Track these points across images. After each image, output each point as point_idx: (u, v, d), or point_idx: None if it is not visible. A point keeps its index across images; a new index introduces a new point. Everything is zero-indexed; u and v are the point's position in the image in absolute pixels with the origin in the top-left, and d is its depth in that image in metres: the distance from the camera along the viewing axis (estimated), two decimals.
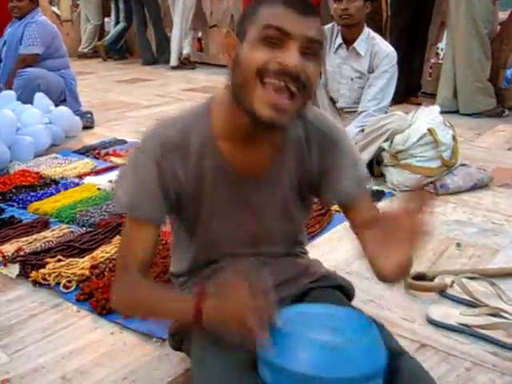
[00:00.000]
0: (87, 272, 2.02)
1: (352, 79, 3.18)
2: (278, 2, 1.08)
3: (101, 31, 7.78)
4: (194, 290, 1.13)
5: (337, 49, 3.18)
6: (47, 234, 2.35)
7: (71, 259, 2.10)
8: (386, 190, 2.88)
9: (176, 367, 1.56)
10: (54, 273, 2.00)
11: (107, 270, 2.03)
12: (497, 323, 1.70)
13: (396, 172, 2.92)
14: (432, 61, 5.25)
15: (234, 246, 1.31)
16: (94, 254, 2.15)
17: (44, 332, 1.74)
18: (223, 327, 1.05)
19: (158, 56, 7.08)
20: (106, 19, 7.84)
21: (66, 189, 2.86)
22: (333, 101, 3.34)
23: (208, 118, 1.21)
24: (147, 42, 7.14)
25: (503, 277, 2.01)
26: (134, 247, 1.22)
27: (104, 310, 1.80)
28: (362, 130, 3.05)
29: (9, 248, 2.21)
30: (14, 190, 2.82)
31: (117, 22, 7.41)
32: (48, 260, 2.08)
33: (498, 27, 4.64)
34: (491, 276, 1.96)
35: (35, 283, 1.99)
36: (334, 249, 2.27)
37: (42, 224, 2.44)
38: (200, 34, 7.12)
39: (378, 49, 3.09)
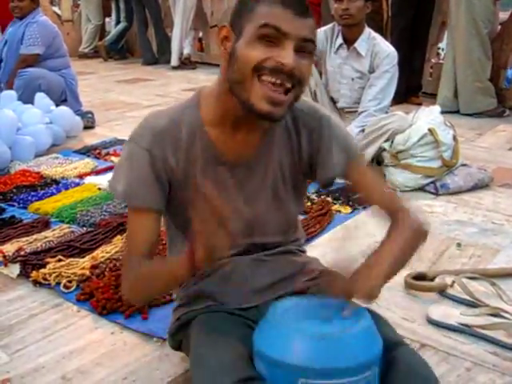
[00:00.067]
0: (88, 272, 2.02)
1: (353, 79, 3.18)
2: (276, 1, 1.11)
3: (101, 31, 7.78)
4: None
5: (337, 49, 3.18)
6: (48, 233, 2.35)
7: (72, 259, 2.10)
8: None
9: (176, 367, 1.56)
10: (54, 273, 2.00)
11: (108, 269, 2.03)
12: (497, 323, 1.70)
13: (396, 172, 2.92)
14: (433, 61, 5.25)
15: None
16: (94, 253, 2.15)
17: (44, 332, 1.75)
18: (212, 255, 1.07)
19: (158, 56, 7.08)
20: (107, 19, 7.85)
21: (66, 189, 2.86)
22: (333, 101, 3.34)
23: (197, 108, 1.26)
24: (148, 42, 7.14)
25: (504, 277, 2.01)
26: (136, 235, 1.25)
27: (104, 310, 1.81)
28: (363, 130, 3.05)
29: (9, 248, 2.21)
30: (14, 190, 2.83)
31: (117, 22, 7.41)
32: (48, 260, 2.08)
33: (499, 27, 4.63)
34: (492, 276, 1.96)
35: (36, 283, 1.99)
36: (335, 249, 2.27)
37: (43, 224, 2.44)
38: (201, 34, 7.13)
39: (379, 49, 3.09)
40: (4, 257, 2.14)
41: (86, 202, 2.65)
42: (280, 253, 1.39)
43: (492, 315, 1.75)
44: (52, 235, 2.33)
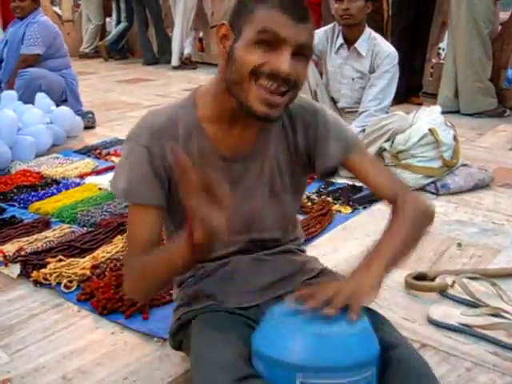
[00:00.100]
0: (88, 272, 2.02)
1: (353, 79, 3.18)
2: (275, 5, 1.12)
3: (102, 31, 7.78)
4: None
5: (338, 49, 3.18)
6: (48, 233, 2.35)
7: (72, 259, 2.10)
8: None
9: (177, 367, 1.56)
10: (54, 273, 2.00)
11: (108, 269, 2.03)
12: (497, 323, 1.70)
13: (397, 172, 2.91)
14: (433, 61, 5.25)
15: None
16: (94, 253, 2.15)
17: (45, 332, 1.75)
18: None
19: (159, 56, 7.08)
20: (108, 19, 7.85)
21: (67, 189, 2.86)
22: (334, 101, 3.34)
23: (194, 107, 1.28)
24: (148, 42, 7.14)
25: (504, 277, 2.01)
26: (137, 232, 1.25)
27: (105, 310, 1.81)
28: (363, 130, 3.05)
29: (10, 248, 2.21)
30: (15, 190, 2.83)
31: (118, 22, 7.41)
32: (49, 260, 2.08)
33: (499, 27, 4.63)
34: (492, 276, 1.96)
35: (36, 283, 1.99)
36: (335, 249, 2.27)
37: (43, 224, 2.44)
38: (201, 34, 7.13)
39: (379, 49, 3.09)
40: (4, 257, 2.14)
41: (86, 202, 2.65)
42: (280, 252, 1.40)
43: (492, 315, 1.75)
44: (52, 235, 2.33)
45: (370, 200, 2.71)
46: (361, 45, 3.10)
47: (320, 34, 3.23)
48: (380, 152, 2.99)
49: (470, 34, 4.30)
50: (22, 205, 2.68)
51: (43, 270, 2.01)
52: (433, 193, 2.83)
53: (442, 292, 1.92)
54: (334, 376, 1.03)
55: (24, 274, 2.04)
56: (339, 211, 2.62)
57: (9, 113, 3.30)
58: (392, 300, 1.90)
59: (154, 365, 1.58)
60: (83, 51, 7.61)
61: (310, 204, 2.66)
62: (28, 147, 3.31)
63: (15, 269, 2.07)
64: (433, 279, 1.98)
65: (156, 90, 5.58)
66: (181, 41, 6.57)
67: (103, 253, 2.15)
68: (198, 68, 6.68)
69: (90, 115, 4.18)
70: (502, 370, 1.56)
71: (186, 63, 6.70)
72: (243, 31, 1.14)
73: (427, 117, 2.97)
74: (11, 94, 3.74)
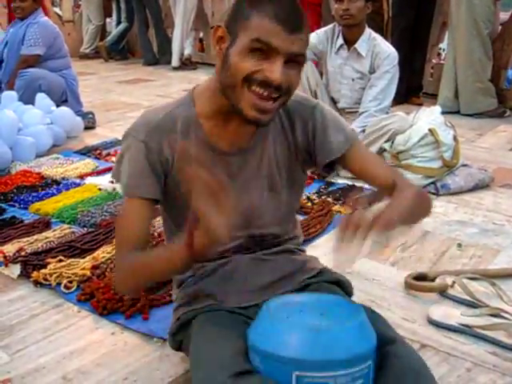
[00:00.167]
0: (88, 272, 2.02)
1: (353, 80, 3.19)
2: (270, 14, 1.13)
3: (102, 32, 7.78)
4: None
5: (338, 49, 3.19)
6: (48, 234, 2.35)
7: (72, 259, 2.10)
8: None
9: (177, 367, 1.56)
10: (55, 273, 2.00)
11: (108, 270, 2.03)
12: (497, 324, 1.70)
13: None
14: (433, 61, 5.25)
15: None
16: (95, 254, 2.15)
17: (45, 332, 1.75)
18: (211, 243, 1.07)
19: (159, 56, 7.08)
20: (108, 20, 7.85)
21: (67, 189, 2.86)
22: (334, 101, 3.34)
23: (192, 104, 1.30)
24: (149, 42, 7.14)
25: (504, 277, 2.01)
26: (129, 226, 1.27)
27: (105, 311, 1.81)
28: (363, 131, 3.06)
29: (10, 248, 2.21)
30: (15, 191, 2.83)
31: (118, 23, 7.41)
32: (49, 260, 2.08)
33: (500, 27, 4.63)
34: (492, 276, 1.96)
35: (36, 283, 1.99)
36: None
37: (44, 224, 2.44)
38: (201, 35, 7.12)
39: (379, 49, 3.10)
40: (5, 257, 2.14)
41: (86, 203, 2.65)
42: (279, 252, 1.40)
43: (492, 316, 1.75)
44: (53, 236, 2.33)
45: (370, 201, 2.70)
46: (361, 45, 3.10)
47: (320, 34, 3.23)
48: (380, 152, 2.99)
49: (470, 34, 4.30)
50: (22, 205, 2.68)
51: (43, 271, 2.01)
52: (433, 193, 2.83)
53: (442, 292, 1.92)
54: (330, 369, 1.03)
55: (24, 275, 2.04)
56: (339, 212, 2.62)
57: (9, 113, 3.30)
58: (392, 300, 1.90)
59: (154, 365, 1.58)
60: (83, 52, 7.61)
61: (310, 204, 2.66)
62: (28, 148, 3.31)
63: (15, 269, 2.07)
64: (433, 279, 1.98)
65: (156, 90, 5.58)
66: (181, 41, 6.57)
67: (103, 253, 2.15)
68: (198, 68, 6.68)
69: (91, 116, 4.18)
70: (501, 371, 1.56)
71: (187, 64, 6.70)
72: (238, 37, 1.16)
73: (427, 117, 2.97)
74: (11, 95, 3.74)
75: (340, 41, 3.16)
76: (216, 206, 1.02)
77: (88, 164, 3.25)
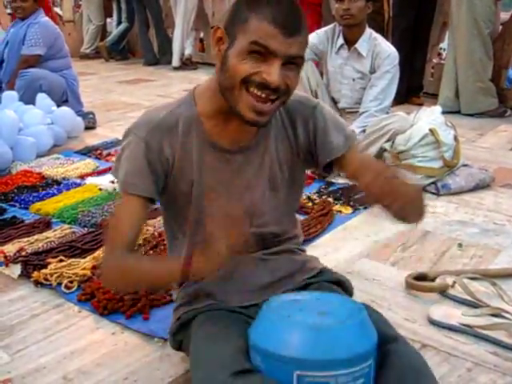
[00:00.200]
0: (89, 272, 2.02)
1: (354, 80, 3.18)
2: (268, 17, 1.14)
3: (103, 32, 7.78)
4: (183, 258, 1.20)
5: (338, 49, 3.18)
6: (49, 234, 2.35)
7: (73, 259, 2.10)
8: None
9: (177, 367, 1.56)
10: (55, 273, 2.00)
11: None
12: (498, 324, 1.70)
13: None
14: (434, 61, 5.24)
15: (226, 226, 1.32)
16: (95, 254, 2.15)
17: (45, 332, 1.75)
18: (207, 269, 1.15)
19: (159, 56, 7.08)
20: (108, 20, 7.84)
21: (67, 189, 2.87)
22: (334, 101, 3.34)
23: (193, 103, 1.31)
24: (149, 42, 7.14)
25: (505, 277, 2.01)
26: (122, 222, 1.28)
27: (105, 311, 1.81)
28: (364, 131, 3.05)
29: (11, 248, 2.21)
30: (15, 191, 2.83)
31: (119, 23, 7.41)
32: (50, 260, 2.08)
33: (500, 27, 4.63)
34: (493, 276, 1.96)
35: (37, 283, 1.99)
36: (336, 249, 2.27)
37: (44, 224, 2.44)
38: (202, 35, 7.12)
39: (380, 49, 3.09)
40: (5, 257, 2.14)
41: (87, 203, 2.65)
42: (280, 252, 1.40)
43: (493, 315, 1.75)
44: (53, 236, 2.33)
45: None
46: (361, 45, 3.10)
47: (320, 34, 3.23)
48: (381, 152, 2.99)
49: (470, 34, 4.30)
50: (22, 205, 2.68)
51: (44, 271, 2.01)
52: (433, 193, 2.83)
53: (443, 292, 1.92)
54: (331, 369, 1.03)
55: (25, 275, 2.04)
56: (340, 211, 2.62)
57: (10, 113, 3.30)
58: (392, 300, 1.90)
59: (155, 365, 1.58)
60: (84, 52, 7.61)
61: (310, 204, 2.66)
62: (29, 148, 3.31)
63: (16, 269, 2.07)
64: (433, 279, 1.98)
65: (157, 90, 5.58)
66: (181, 41, 6.57)
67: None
68: (199, 68, 6.68)
69: (91, 116, 4.18)
70: (502, 371, 1.56)
71: (187, 64, 6.70)
72: (237, 39, 1.17)
73: (428, 117, 2.97)
74: (12, 95, 3.74)
75: (340, 41, 3.16)
76: (228, 236, 1.08)
77: (88, 164, 3.25)
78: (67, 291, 1.94)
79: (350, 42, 3.13)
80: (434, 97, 4.79)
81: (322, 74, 3.39)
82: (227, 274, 1.35)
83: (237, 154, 1.32)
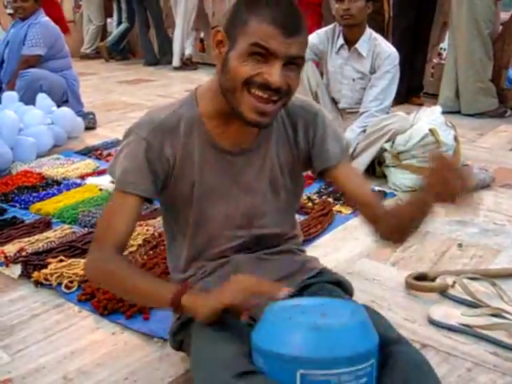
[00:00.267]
0: (84, 271, 2.02)
1: (354, 80, 3.18)
2: (268, 19, 1.15)
3: (103, 32, 7.78)
4: (179, 285, 1.22)
5: (338, 49, 3.18)
6: (49, 234, 2.35)
7: (73, 259, 2.10)
8: (388, 191, 2.88)
9: (177, 367, 1.56)
10: (55, 273, 2.00)
11: None
12: (498, 324, 1.70)
13: (398, 172, 2.92)
14: (434, 61, 5.24)
15: (227, 227, 1.35)
16: None
17: (46, 332, 1.75)
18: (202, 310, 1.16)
19: (160, 57, 7.08)
20: (109, 20, 7.84)
21: (68, 189, 2.87)
22: (334, 101, 3.34)
23: (195, 104, 1.31)
24: (149, 42, 7.14)
25: (505, 277, 2.01)
26: (115, 220, 1.28)
27: (105, 311, 1.81)
28: (364, 131, 3.05)
29: (11, 248, 2.22)
30: (16, 191, 2.83)
31: (119, 23, 7.41)
32: (50, 260, 2.08)
33: (500, 27, 4.63)
34: (493, 276, 1.96)
35: (37, 283, 1.99)
36: (336, 249, 2.27)
37: (44, 224, 2.44)
38: (202, 35, 7.12)
39: (380, 49, 3.09)
40: (5, 257, 2.14)
41: (87, 203, 2.66)
42: (280, 252, 1.41)
43: (493, 316, 1.75)
44: (53, 236, 2.33)
45: None
46: (361, 45, 3.10)
47: (321, 34, 3.23)
48: (381, 152, 3.00)
49: (470, 34, 4.30)
50: (23, 205, 2.68)
51: (44, 271, 2.02)
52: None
53: (443, 292, 1.92)
54: (334, 367, 1.03)
55: (25, 275, 2.04)
56: (340, 211, 2.62)
57: (10, 114, 3.30)
58: (392, 300, 1.90)
59: (155, 365, 1.59)
60: (84, 52, 7.61)
61: (310, 204, 2.66)
62: (29, 148, 3.31)
63: (16, 269, 2.08)
64: (433, 279, 1.98)
65: (157, 90, 5.58)
66: (182, 41, 6.57)
67: None
68: (199, 68, 6.68)
69: (91, 116, 4.18)
70: (502, 371, 1.56)
71: (187, 64, 6.70)
72: (237, 41, 1.17)
73: (428, 117, 2.97)
74: (12, 95, 3.75)
75: (340, 41, 3.16)
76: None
77: (89, 164, 3.25)
78: (67, 291, 1.94)
79: (350, 42, 3.13)
80: (434, 97, 4.79)
81: (322, 75, 3.39)
82: (227, 274, 1.35)
83: (238, 156, 1.33)
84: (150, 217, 2.46)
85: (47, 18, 4.15)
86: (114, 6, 7.43)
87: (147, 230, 2.33)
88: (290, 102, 1.28)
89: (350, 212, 2.62)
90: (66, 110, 3.79)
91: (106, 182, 2.92)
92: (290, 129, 1.36)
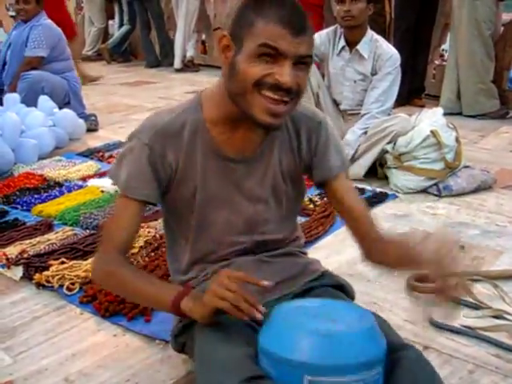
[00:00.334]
0: (90, 274, 2.02)
1: (355, 81, 3.18)
2: (275, 19, 1.14)
3: (105, 34, 7.80)
4: (181, 288, 1.23)
5: (340, 51, 3.18)
6: (51, 236, 2.35)
7: (74, 261, 2.10)
8: (390, 192, 2.88)
9: (178, 369, 1.56)
10: (57, 275, 2.00)
11: None
12: (500, 325, 1.70)
13: (399, 174, 2.92)
14: (436, 62, 5.24)
15: (229, 233, 1.35)
16: None
17: (47, 334, 1.75)
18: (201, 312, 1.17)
19: (161, 59, 7.09)
20: (110, 22, 7.86)
21: (69, 191, 2.87)
22: (336, 103, 3.34)
23: (199, 108, 1.30)
24: (151, 44, 7.15)
25: (506, 279, 2.01)
26: (119, 224, 1.30)
27: (107, 313, 1.81)
28: (365, 132, 3.05)
29: (12, 250, 2.22)
30: (17, 193, 2.83)
31: (121, 25, 7.42)
32: (51, 262, 2.08)
33: (502, 28, 4.63)
34: (494, 278, 1.96)
35: (39, 285, 1.99)
36: (337, 251, 2.27)
37: (46, 226, 2.44)
38: (204, 37, 7.13)
39: (381, 51, 3.09)
40: (7, 259, 2.14)
41: (89, 205, 2.66)
42: (282, 254, 1.41)
43: (495, 317, 1.75)
44: (55, 238, 2.34)
45: (372, 202, 2.70)
46: (363, 47, 3.10)
47: (322, 35, 3.23)
48: (382, 154, 3.00)
49: (471, 35, 4.30)
50: (24, 207, 2.68)
51: (46, 273, 2.02)
52: (435, 194, 2.83)
53: None
54: (342, 374, 1.03)
55: (26, 277, 2.05)
56: None
57: (12, 115, 3.30)
58: (394, 302, 1.90)
59: (156, 367, 1.59)
60: (86, 54, 7.62)
61: (312, 206, 2.66)
62: (31, 150, 3.32)
63: (18, 271, 2.08)
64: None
65: (158, 92, 5.59)
66: (183, 43, 6.58)
67: None
68: (201, 70, 6.68)
69: (93, 118, 4.19)
70: (504, 372, 1.56)
71: (189, 66, 6.70)
72: (244, 44, 1.17)
73: (429, 119, 2.97)
74: (14, 97, 3.75)
75: (342, 42, 3.16)
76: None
77: (90, 166, 3.26)
78: (69, 293, 1.95)
79: (352, 43, 3.13)
80: (435, 98, 4.78)
81: (323, 76, 3.39)
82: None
83: (240, 164, 1.32)
84: (151, 218, 2.46)
85: (49, 21, 4.16)
86: (116, 8, 7.45)
87: (149, 232, 2.33)
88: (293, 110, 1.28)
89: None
90: (67, 112, 3.80)
91: (107, 183, 2.92)
92: (294, 136, 1.36)
